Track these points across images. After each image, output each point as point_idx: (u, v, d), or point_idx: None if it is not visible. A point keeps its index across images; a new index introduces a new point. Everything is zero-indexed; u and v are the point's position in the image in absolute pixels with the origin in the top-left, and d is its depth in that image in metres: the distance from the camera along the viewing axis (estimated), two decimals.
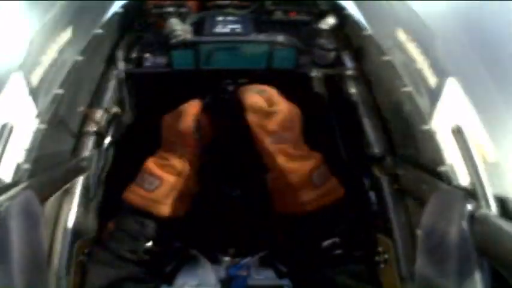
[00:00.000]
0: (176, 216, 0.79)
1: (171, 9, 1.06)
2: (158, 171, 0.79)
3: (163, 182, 0.78)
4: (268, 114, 0.78)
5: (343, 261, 0.75)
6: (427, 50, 0.68)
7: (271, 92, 0.82)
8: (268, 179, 0.82)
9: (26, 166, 0.63)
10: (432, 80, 0.66)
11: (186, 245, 0.88)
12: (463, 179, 0.57)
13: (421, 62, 0.69)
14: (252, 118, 0.79)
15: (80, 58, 0.80)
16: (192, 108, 0.82)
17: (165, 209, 0.77)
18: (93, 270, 0.74)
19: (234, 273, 0.87)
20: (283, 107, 0.80)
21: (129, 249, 0.75)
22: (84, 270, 0.75)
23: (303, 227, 0.78)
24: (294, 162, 0.78)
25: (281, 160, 0.78)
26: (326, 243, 0.75)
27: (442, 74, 0.63)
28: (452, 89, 0.61)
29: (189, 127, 0.80)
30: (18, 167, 0.62)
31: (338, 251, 0.75)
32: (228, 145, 0.96)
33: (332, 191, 0.78)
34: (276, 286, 0.77)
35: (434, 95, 0.65)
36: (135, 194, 0.78)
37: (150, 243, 0.76)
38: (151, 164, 0.81)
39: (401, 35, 0.75)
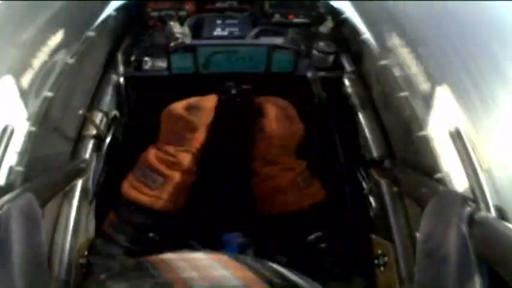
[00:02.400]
0: (178, 210, 0.80)
1: (170, 12, 1.06)
2: (162, 168, 0.79)
3: (167, 179, 0.78)
4: (289, 129, 0.83)
5: (328, 253, 0.79)
6: (420, 55, 0.69)
7: (293, 109, 0.86)
8: (253, 183, 0.85)
9: (25, 169, 0.63)
10: (426, 85, 0.67)
11: (186, 237, 0.89)
12: (462, 182, 0.57)
13: (415, 67, 0.70)
14: (272, 127, 0.82)
15: (74, 61, 0.79)
16: (211, 103, 0.84)
17: (168, 205, 0.78)
18: (96, 265, 0.75)
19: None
20: (301, 126, 0.86)
21: (134, 240, 0.77)
22: (85, 272, 0.75)
23: (289, 225, 0.81)
24: (283, 171, 0.82)
25: (274, 168, 0.82)
26: (311, 237, 0.79)
27: (435, 80, 0.64)
28: (445, 94, 0.61)
29: (207, 121, 0.82)
30: (17, 170, 0.61)
31: (323, 245, 0.78)
32: (227, 144, 0.96)
33: (316, 192, 0.83)
34: None
35: (429, 100, 0.65)
36: (138, 191, 0.78)
37: (154, 235, 0.78)
38: (153, 159, 0.80)
39: (397, 40, 0.76)
